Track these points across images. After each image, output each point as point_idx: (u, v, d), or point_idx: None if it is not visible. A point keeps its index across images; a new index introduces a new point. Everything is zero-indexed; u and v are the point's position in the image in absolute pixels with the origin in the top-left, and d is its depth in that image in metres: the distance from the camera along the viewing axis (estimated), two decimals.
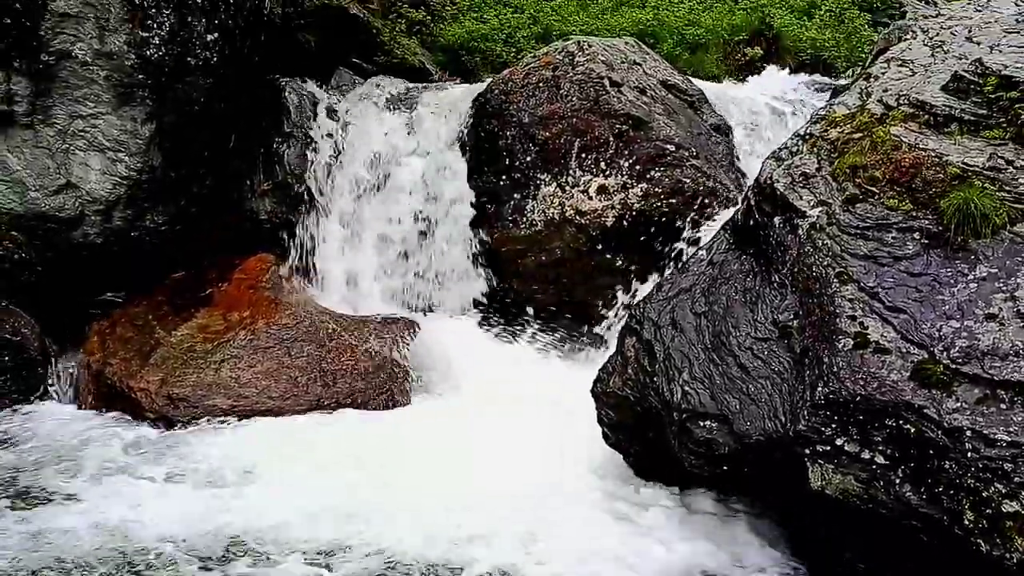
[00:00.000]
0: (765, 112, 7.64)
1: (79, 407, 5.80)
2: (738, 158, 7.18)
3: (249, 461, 4.90)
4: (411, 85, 7.93)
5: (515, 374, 6.15)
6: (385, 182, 7.11)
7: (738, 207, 5.19)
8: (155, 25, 5.94)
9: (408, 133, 7.30)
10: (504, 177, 6.98)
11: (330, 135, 7.16)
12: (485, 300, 6.90)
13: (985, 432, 3.28)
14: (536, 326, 6.77)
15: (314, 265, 6.89)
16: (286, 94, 7.09)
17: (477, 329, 6.71)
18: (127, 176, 6.13)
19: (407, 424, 5.49)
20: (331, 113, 7.28)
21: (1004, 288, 3.64)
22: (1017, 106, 4.12)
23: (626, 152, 6.78)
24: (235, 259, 6.48)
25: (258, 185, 6.89)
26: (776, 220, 4.56)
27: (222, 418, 5.41)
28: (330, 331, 5.88)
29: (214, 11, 6.14)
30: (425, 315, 6.73)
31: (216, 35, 6.18)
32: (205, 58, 6.19)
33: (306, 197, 6.96)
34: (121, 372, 5.67)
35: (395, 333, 6.11)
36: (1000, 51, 4.48)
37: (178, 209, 6.41)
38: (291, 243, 6.88)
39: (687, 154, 6.78)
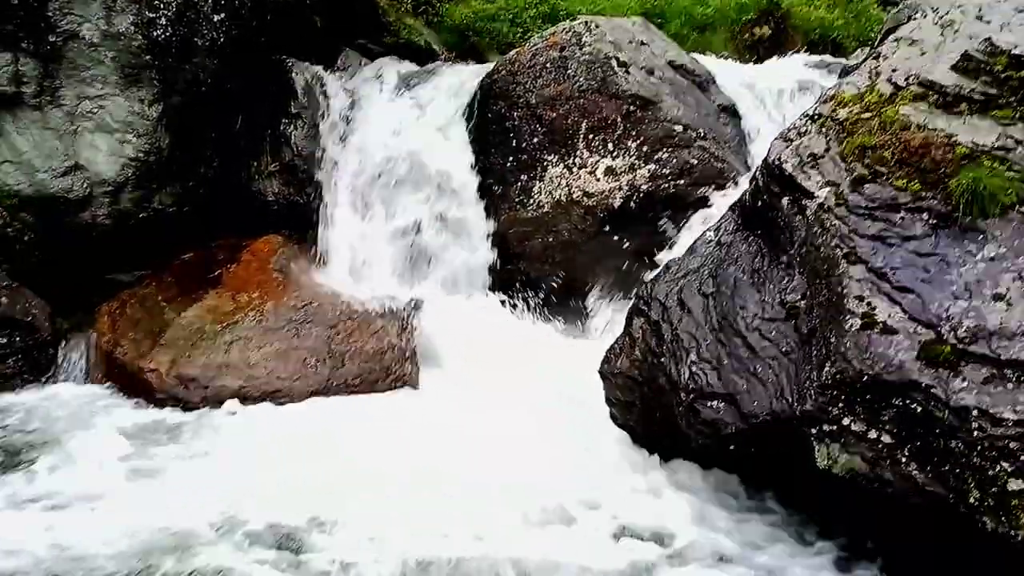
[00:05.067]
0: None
1: (90, 386, 5.83)
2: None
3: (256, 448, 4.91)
4: (417, 67, 7.92)
5: (522, 354, 6.16)
6: (393, 164, 7.11)
7: (746, 188, 5.18)
8: (162, 5, 5.94)
9: (415, 114, 7.30)
10: (511, 158, 6.98)
11: (338, 117, 7.16)
12: (493, 281, 6.91)
13: (992, 411, 3.29)
14: (543, 307, 6.79)
15: (322, 246, 6.90)
16: (293, 75, 7.08)
17: (485, 310, 6.72)
18: (135, 157, 6.15)
19: (416, 406, 5.52)
20: (338, 95, 7.28)
21: (1012, 268, 3.63)
22: None
23: (634, 133, 6.77)
24: (243, 240, 6.50)
25: (265, 166, 6.90)
26: (784, 201, 4.55)
27: (232, 399, 5.44)
28: (338, 312, 5.91)
29: None
30: (433, 295, 6.73)
31: (223, 15, 6.18)
32: (212, 39, 6.20)
33: (314, 178, 6.97)
34: (132, 353, 5.70)
35: (403, 314, 6.13)
36: (1011, 30, 4.43)
37: (186, 190, 6.43)
38: (299, 224, 6.90)
39: (695, 135, 6.77)
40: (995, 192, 3.83)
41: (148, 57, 5.99)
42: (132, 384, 5.63)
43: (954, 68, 4.42)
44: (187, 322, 5.81)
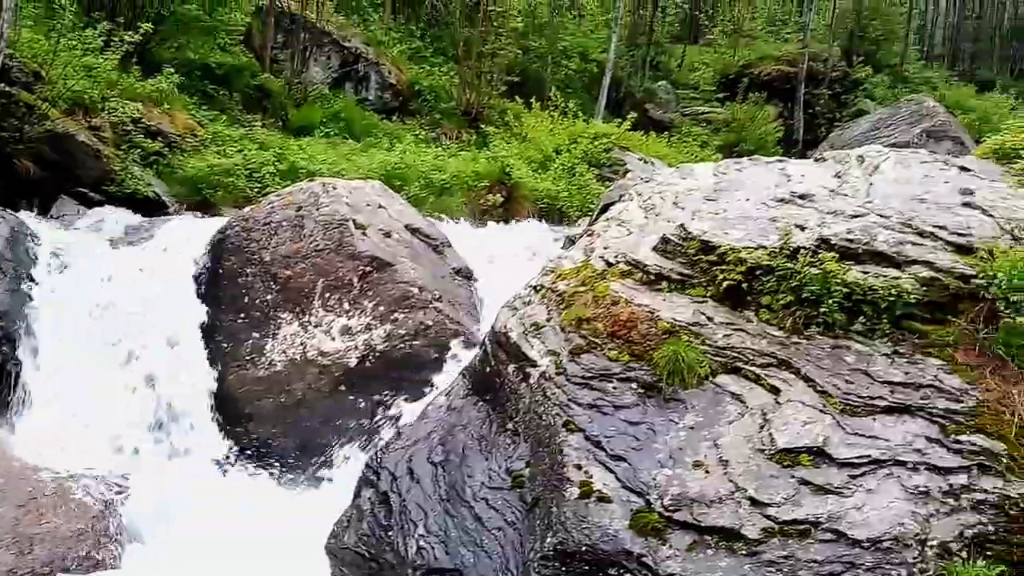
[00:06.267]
0: None
1: None
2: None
3: None
4: (143, 218, 7.55)
5: (245, 526, 5.70)
6: (109, 320, 6.58)
7: (476, 353, 5.31)
8: None
9: (137, 268, 6.88)
10: (243, 315, 6.74)
11: (48, 269, 6.57)
12: (216, 445, 6.46)
13: None
14: (273, 470, 6.42)
15: (18, 411, 6.15)
16: None
17: (205, 477, 6.23)
18: None
19: None
20: (50, 245, 6.70)
21: (708, 436, 3.94)
22: (715, 268, 4.59)
23: (370, 293, 6.80)
24: None
25: None
26: (510, 368, 4.70)
27: None
28: (30, 489, 5.19)
29: None
30: (149, 462, 6.15)
31: None
32: None
33: (13, 335, 6.26)
34: None
35: (109, 487, 5.51)
36: (701, 217, 4.99)
37: None
38: None
39: (431, 296, 6.92)
40: (692, 364, 4.19)
41: None
42: None
43: (655, 249, 4.89)
44: None
